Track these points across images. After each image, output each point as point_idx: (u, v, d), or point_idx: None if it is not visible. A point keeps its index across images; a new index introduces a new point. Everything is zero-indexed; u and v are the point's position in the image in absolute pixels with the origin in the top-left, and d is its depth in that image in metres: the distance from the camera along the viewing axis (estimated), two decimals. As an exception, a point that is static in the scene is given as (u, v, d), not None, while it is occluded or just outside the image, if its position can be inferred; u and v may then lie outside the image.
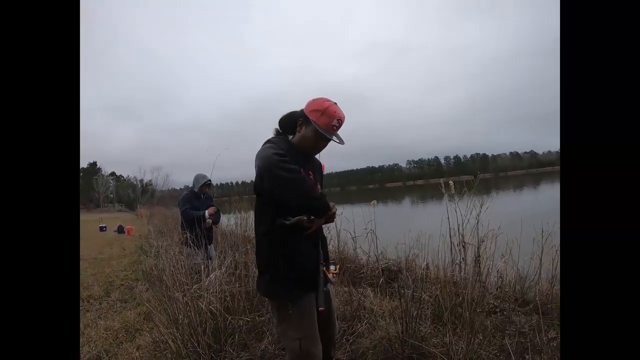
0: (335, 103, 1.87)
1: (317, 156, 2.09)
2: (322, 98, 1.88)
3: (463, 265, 3.58)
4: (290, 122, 1.96)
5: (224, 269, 3.26)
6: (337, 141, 1.88)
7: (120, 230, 16.59)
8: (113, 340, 3.38)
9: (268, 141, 1.88)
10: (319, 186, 2.02)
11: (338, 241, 5.12)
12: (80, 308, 4.73)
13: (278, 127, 2.02)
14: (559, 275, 3.74)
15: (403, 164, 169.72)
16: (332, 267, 1.90)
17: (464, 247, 3.51)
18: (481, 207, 3.53)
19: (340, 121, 1.86)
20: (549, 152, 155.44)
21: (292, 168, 1.67)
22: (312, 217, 1.79)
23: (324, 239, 2.07)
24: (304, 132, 1.89)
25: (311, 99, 1.91)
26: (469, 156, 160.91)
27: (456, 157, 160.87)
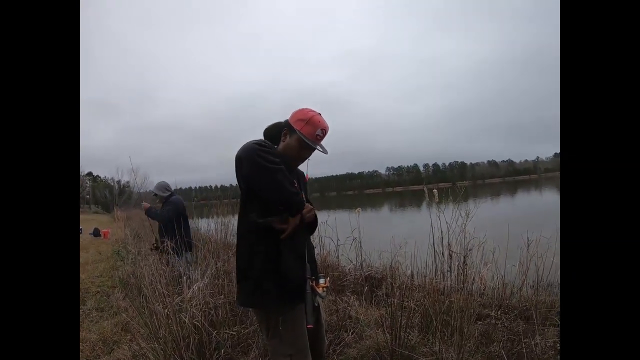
0: (320, 113, 1.90)
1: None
2: (306, 108, 1.91)
3: (449, 274, 3.59)
4: (275, 133, 1.97)
5: (206, 280, 3.15)
6: (321, 150, 1.89)
7: (96, 233, 16.18)
8: (90, 353, 3.22)
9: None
10: (303, 196, 1.98)
11: (321, 249, 5.08)
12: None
13: (263, 138, 2.00)
14: (543, 283, 3.79)
15: (382, 171, 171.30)
16: (321, 281, 1.83)
17: (450, 255, 3.52)
18: (467, 215, 3.54)
19: (324, 131, 1.88)
20: (526, 160, 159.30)
21: (272, 159, 1.68)
22: (286, 216, 1.75)
23: (311, 248, 2.01)
24: (289, 141, 1.90)
25: (296, 109, 1.93)
26: (447, 164, 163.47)
27: (435, 165, 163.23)
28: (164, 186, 5.40)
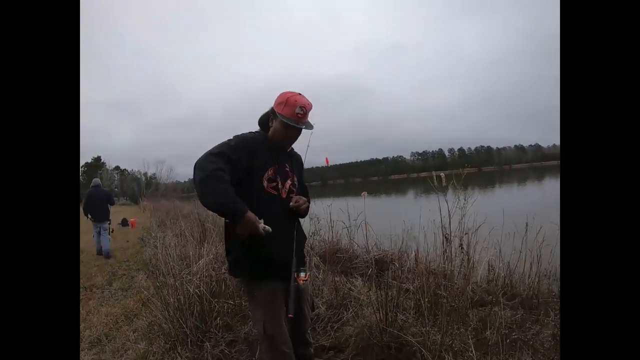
0: (299, 93, 1.99)
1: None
2: (285, 91, 2.01)
3: (450, 257, 3.66)
4: (267, 120, 2.10)
5: (211, 256, 3.51)
6: (304, 127, 1.99)
7: (124, 223, 16.69)
8: (113, 325, 3.62)
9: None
10: (295, 179, 2.13)
11: (332, 232, 5.23)
12: (84, 296, 4.97)
13: (259, 128, 2.14)
14: (544, 271, 3.74)
15: (407, 156, 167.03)
16: (302, 274, 1.95)
17: (446, 239, 3.60)
18: (465, 200, 3.61)
19: (304, 108, 1.95)
20: (554, 145, 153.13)
21: (212, 168, 1.73)
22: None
23: (300, 237, 2.16)
24: (275, 125, 2.03)
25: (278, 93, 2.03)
26: (473, 148, 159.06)
27: (460, 149, 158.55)
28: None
